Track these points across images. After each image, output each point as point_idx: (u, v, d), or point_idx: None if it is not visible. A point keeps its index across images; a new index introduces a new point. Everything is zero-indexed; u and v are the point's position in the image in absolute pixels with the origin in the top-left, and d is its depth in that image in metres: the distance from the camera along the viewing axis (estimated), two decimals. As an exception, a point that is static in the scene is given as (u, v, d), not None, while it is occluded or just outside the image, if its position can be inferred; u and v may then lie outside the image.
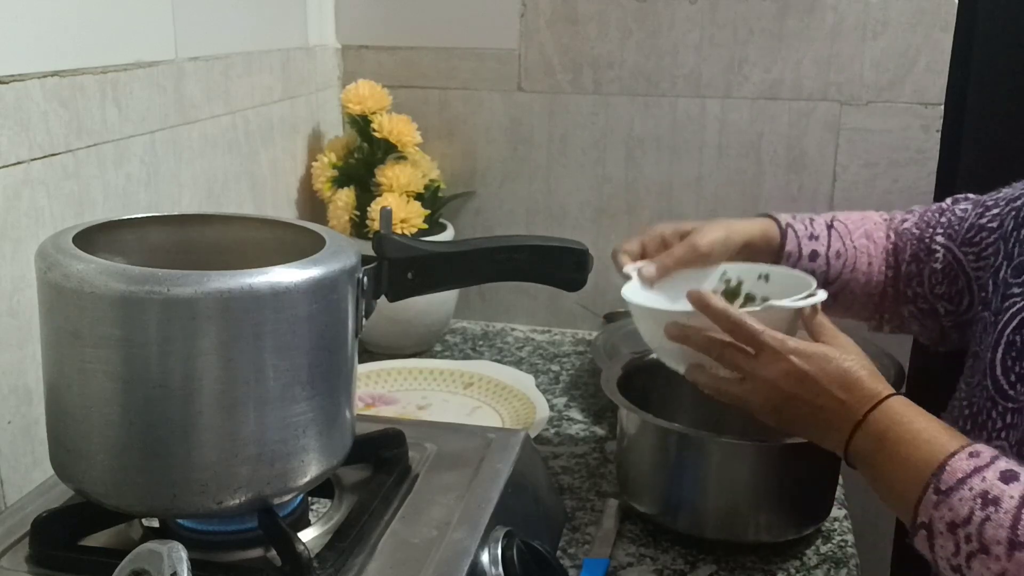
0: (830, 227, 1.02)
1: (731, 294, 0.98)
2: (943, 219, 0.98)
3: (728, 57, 1.34)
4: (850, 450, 0.76)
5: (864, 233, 1.02)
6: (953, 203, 1.00)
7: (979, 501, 0.67)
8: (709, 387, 0.85)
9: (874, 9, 1.29)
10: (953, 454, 0.69)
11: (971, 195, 1.00)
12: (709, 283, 0.97)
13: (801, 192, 1.36)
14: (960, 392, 0.88)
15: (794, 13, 1.31)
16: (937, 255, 0.97)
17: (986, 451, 0.70)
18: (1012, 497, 0.66)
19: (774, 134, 1.36)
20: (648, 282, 0.95)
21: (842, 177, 1.35)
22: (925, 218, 1.01)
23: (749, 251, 0.99)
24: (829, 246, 1.00)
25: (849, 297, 1.02)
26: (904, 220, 1.03)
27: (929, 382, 1.33)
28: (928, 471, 0.70)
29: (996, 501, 0.66)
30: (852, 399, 0.76)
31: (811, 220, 1.02)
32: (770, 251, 1.00)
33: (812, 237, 1.00)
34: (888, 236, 1.03)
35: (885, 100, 1.32)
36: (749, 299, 0.97)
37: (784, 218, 1.02)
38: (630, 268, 0.97)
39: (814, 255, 1.00)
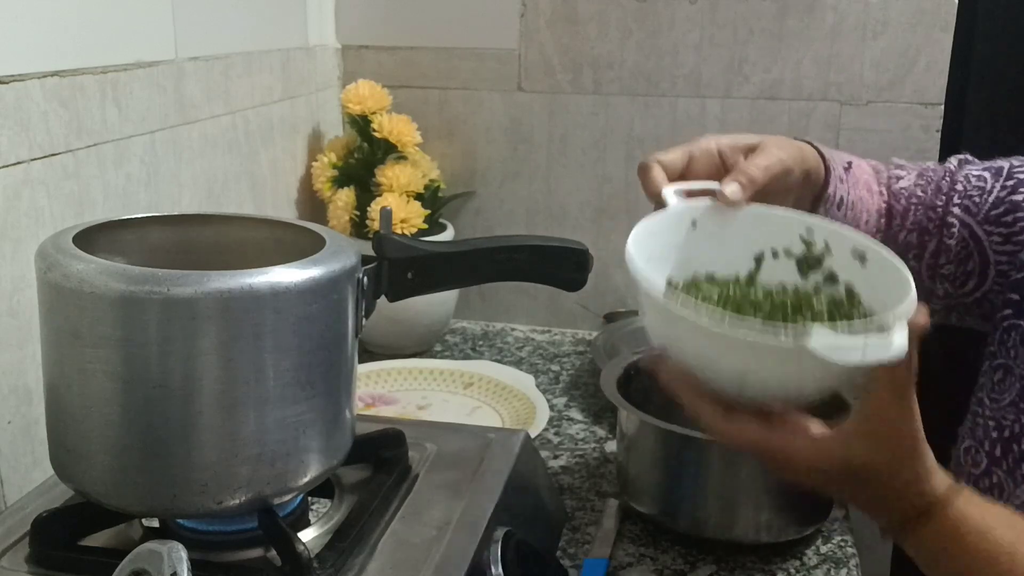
0: (848, 169, 0.83)
1: (809, 264, 0.72)
2: (957, 187, 0.84)
3: (728, 57, 1.34)
4: (909, 542, 0.64)
5: (865, 184, 0.85)
6: (960, 165, 0.86)
7: None
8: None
9: (874, 9, 1.29)
10: None
11: (970, 156, 0.87)
12: (784, 236, 0.72)
13: (801, 192, 1.36)
14: (984, 408, 0.78)
15: (794, 13, 1.31)
16: (952, 230, 0.82)
17: None
18: None
19: (774, 134, 1.35)
20: (734, 204, 0.71)
21: (842, 177, 1.35)
22: (930, 179, 0.86)
23: (804, 184, 0.79)
24: (848, 192, 0.82)
25: None
26: (897, 178, 0.87)
27: (929, 382, 1.33)
28: None
29: None
30: (885, 515, 0.63)
31: (831, 154, 0.83)
32: (815, 187, 0.80)
33: (840, 180, 0.82)
34: (881, 193, 0.87)
35: (885, 100, 1.32)
36: (830, 280, 0.70)
37: (822, 148, 0.81)
38: (670, 191, 0.71)
39: (841, 203, 0.80)
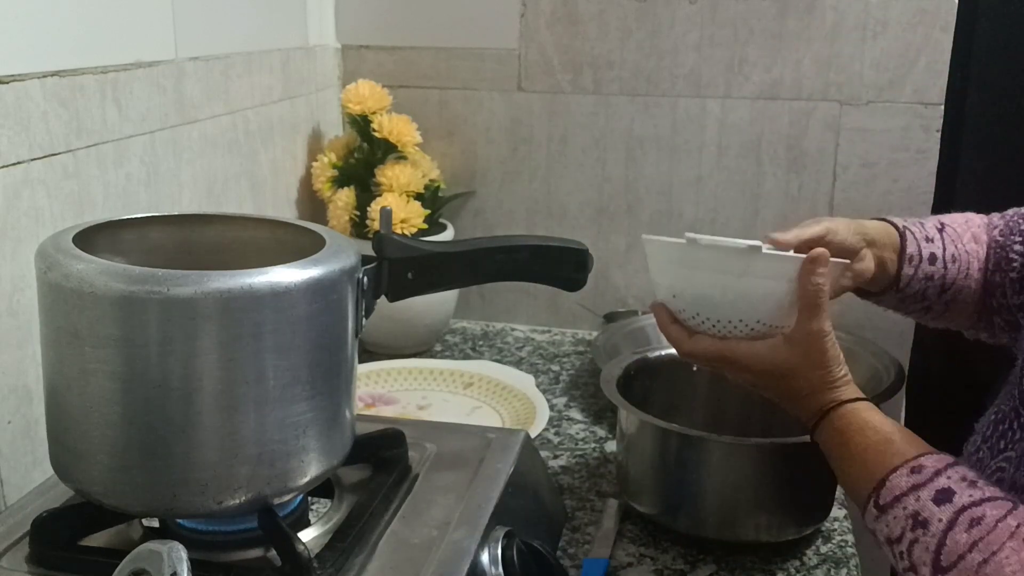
0: (940, 230, 0.96)
1: None
2: (1023, 225, 0.95)
3: (728, 57, 1.34)
4: (818, 443, 0.79)
5: (972, 236, 0.97)
6: None
7: (910, 522, 0.68)
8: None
9: (874, 9, 1.29)
10: (895, 469, 0.70)
11: None
12: None
13: (801, 192, 1.36)
14: (1000, 397, 0.86)
15: (794, 13, 1.31)
16: (1014, 264, 0.93)
17: (930, 466, 0.70)
18: (940, 520, 0.66)
19: (774, 134, 1.36)
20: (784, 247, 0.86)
21: (842, 177, 1.35)
22: (1011, 223, 0.96)
23: (875, 248, 0.94)
24: (944, 249, 0.95)
25: (962, 305, 0.96)
26: (996, 226, 0.98)
27: (929, 382, 1.33)
28: (872, 483, 0.71)
29: (925, 524, 0.67)
30: (803, 412, 0.79)
31: (921, 223, 0.97)
32: (892, 248, 0.94)
33: (928, 239, 0.95)
34: (986, 242, 0.98)
35: (885, 100, 1.32)
36: None
37: (897, 220, 0.97)
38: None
39: (932, 258, 0.94)
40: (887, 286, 0.95)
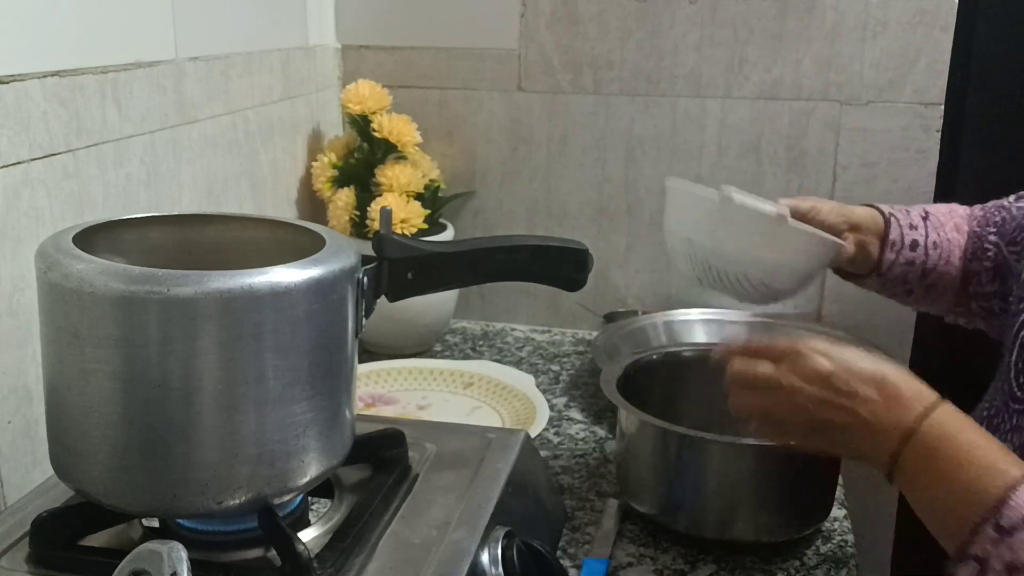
0: (925, 218, 1.01)
1: None
2: (998, 217, 0.98)
3: (728, 57, 1.34)
4: (897, 465, 0.68)
5: (954, 226, 1.01)
6: (1016, 199, 0.99)
7: None
8: (738, 408, 0.78)
9: (874, 9, 1.29)
10: (1017, 486, 0.62)
11: None
12: None
13: (801, 192, 1.36)
14: (989, 392, 0.86)
15: (794, 13, 1.31)
16: (988, 253, 0.97)
17: None
18: None
19: (774, 134, 1.36)
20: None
21: (842, 177, 1.35)
22: (988, 215, 1.00)
23: (858, 232, 0.99)
24: (927, 236, 0.99)
25: (942, 290, 1.00)
26: (975, 217, 1.02)
27: (929, 381, 1.33)
28: (988, 502, 0.63)
29: None
30: (893, 404, 0.69)
31: (907, 211, 1.02)
32: (876, 234, 0.99)
33: (911, 227, 1.00)
34: (967, 231, 1.02)
35: (885, 100, 1.32)
36: None
37: (884, 207, 1.02)
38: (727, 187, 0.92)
39: (914, 245, 0.99)
40: (869, 270, 1.00)
